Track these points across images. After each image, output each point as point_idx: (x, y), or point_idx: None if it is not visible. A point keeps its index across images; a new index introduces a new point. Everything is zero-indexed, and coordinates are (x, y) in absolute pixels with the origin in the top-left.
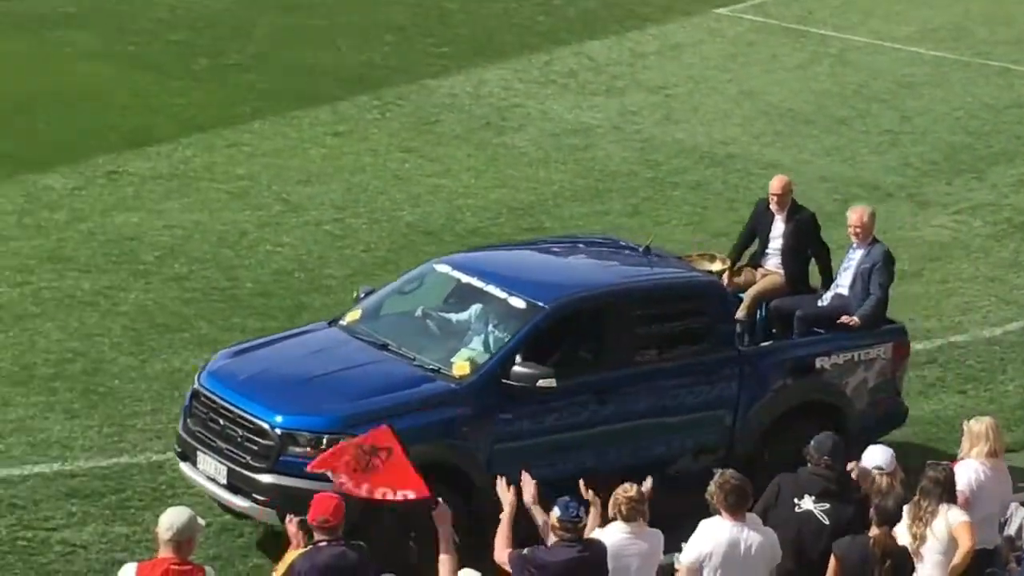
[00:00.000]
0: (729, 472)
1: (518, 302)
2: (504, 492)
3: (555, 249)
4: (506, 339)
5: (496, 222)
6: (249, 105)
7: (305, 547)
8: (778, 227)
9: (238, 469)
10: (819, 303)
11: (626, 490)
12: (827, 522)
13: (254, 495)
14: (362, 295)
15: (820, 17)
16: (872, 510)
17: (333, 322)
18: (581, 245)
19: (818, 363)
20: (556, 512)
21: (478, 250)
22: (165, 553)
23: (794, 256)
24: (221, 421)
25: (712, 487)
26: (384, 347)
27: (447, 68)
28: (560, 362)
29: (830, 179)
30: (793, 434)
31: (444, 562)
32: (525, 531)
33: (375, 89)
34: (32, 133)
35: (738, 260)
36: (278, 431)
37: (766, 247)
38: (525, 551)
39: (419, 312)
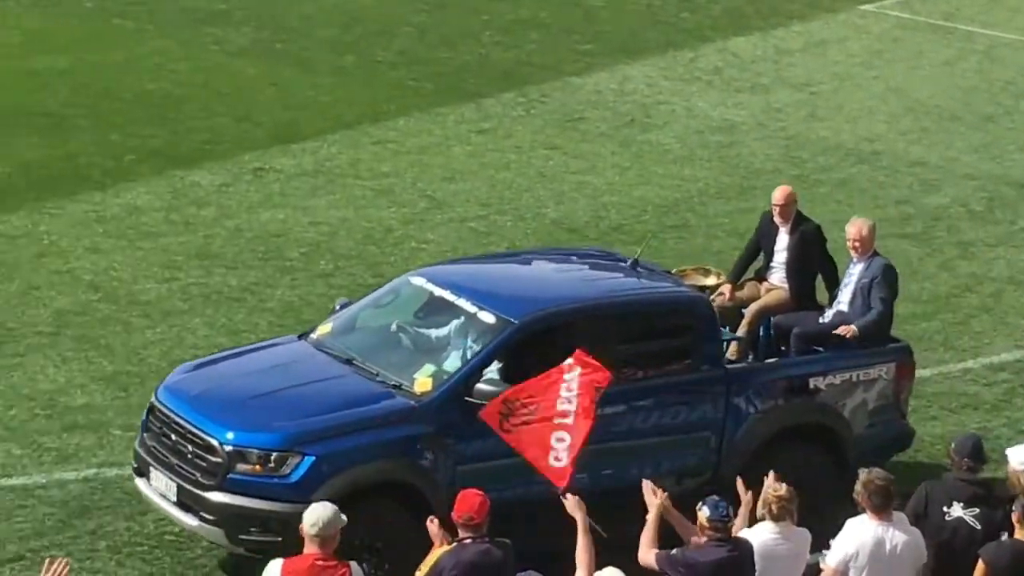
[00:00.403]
0: (874, 472)
1: (488, 317)
2: (649, 494)
3: (537, 262)
4: (472, 355)
5: (640, 219)
6: (395, 102)
7: (449, 545)
8: (782, 240)
9: (187, 486)
10: (820, 320)
11: (776, 489)
12: (979, 527)
13: (202, 513)
14: (338, 308)
15: (967, 14)
16: (1020, 511)
17: (304, 335)
18: (566, 258)
19: (812, 383)
20: (706, 511)
21: (459, 262)
22: (310, 549)
23: (799, 270)
24: (173, 437)
25: (857, 487)
26: (349, 362)
27: (592, 65)
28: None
29: (977, 176)
30: (786, 457)
31: (582, 547)
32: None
33: (520, 86)
34: (180, 129)
35: (742, 274)
36: (227, 448)
37: (770, 261)
38: (674, 551)
39: (393, 326)
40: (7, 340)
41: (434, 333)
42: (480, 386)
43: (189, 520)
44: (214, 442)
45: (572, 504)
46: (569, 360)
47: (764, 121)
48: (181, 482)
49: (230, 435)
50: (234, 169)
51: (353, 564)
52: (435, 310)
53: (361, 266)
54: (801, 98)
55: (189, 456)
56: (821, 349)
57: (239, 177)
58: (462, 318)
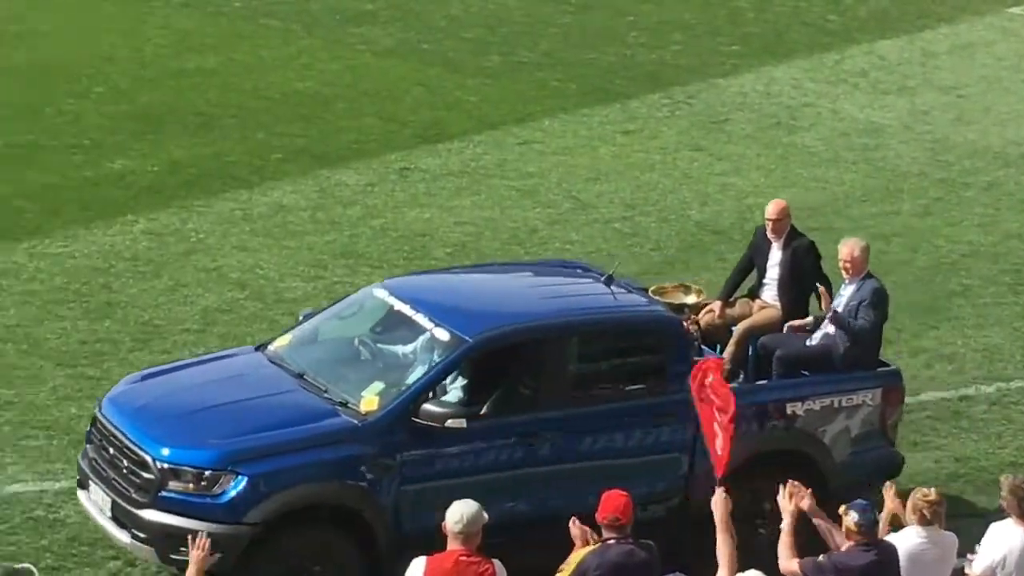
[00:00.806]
0: (1020, 477)
1: (443, 334)
2: (784, 501)
3: (508, 277)
4: (422, 373)
5: None
6: (540, 103)
7: (593, 545)
8: (775, 256)
9: (120, 502)
10: (808, 343)
11: (926, 494)
12: None
13: (134, 530)
14: (301, 318)
15: None
16: None
17: (261, 346)
18: (540, 273)
19: (789, 408)
20: (854, 516)
21: (427, 273)
22: (454, 545)
23: (791, 288)
24: (111, 450)
25: (1004, 492)
26: (300, 376)
27: (737, 67)
28: (486, 400)
29: None
30: (761, 484)
31: (722, 545)
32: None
33: (665, 87)
34: (327, 129)
35: (734, 291)
36: (160, 464)
37: (763, 278)
38: (820, 558)
39: (350, 340)
40: (154, 337)
41: (389, 349)
42: (427, 406)
43: (123, 537)
44: (148, 458)
45: (717, 499)
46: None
47: (910, 124)
48: (116, 497)
49: (165, 451)
50: (380, 169)
51: (496, 562)
52: (393, 325)
53: None
54: (948, 101)
55: (124, 471)
56: (806, 373)
57: (385, 177)
58: (418, 334)
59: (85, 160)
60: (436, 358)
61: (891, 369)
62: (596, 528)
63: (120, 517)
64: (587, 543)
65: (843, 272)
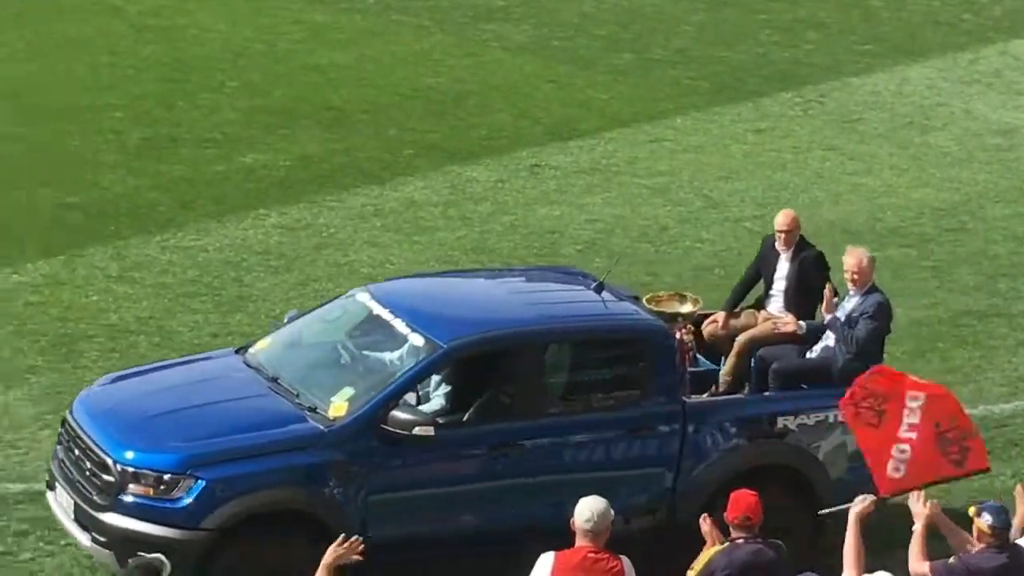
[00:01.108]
0: None
1: (418, 339)
2: (917, 505)
3: (493, 282)
4: (393, 379)
5: (917, 222)
6: (672, 101)
7: (722, 544)
8: (783, 267)
9: (82, 504)
10: (808, 355)
11: None
12: None
13: (94, 534)
14: (287, 320)
15: None
16: None
17: (241, 349)
18: (529, 279)
19: (781, 422)
20: (988, 519)
21: (415, 277)
22: (582, 542)
23: (798, 300)
24: (76, 452)
25: None
26: (275, 380)
27: (870, 66)
28: (458, 408)
29: None
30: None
31: (850, 546)
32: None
33: (798, 86)
34: (459, 125)
35: (739, 301)
36: (120, 467)
37: (769, 289)
38: (951, 560)
39: (329, 344)
40: None
41: (365, 354)
42: (396, 413)
43: (84, 539)
44: (109, 460)
45: (862, 504)
46: (915, 380)
47: None
48: (78, 499)
49: (126, 454)
50: (511, 165)
51: (624, 559)
52: (372, 330)
53: (636, 264)
54: None
55: (87, 473)
56: (805, 386)
57: (515, 173)
58: (395, 339)
59: (218, 154)
60: (409, 364)
61: None
62: (724, 528)
63: (82, 519)
64: (716, 543)
65: (849, 284)
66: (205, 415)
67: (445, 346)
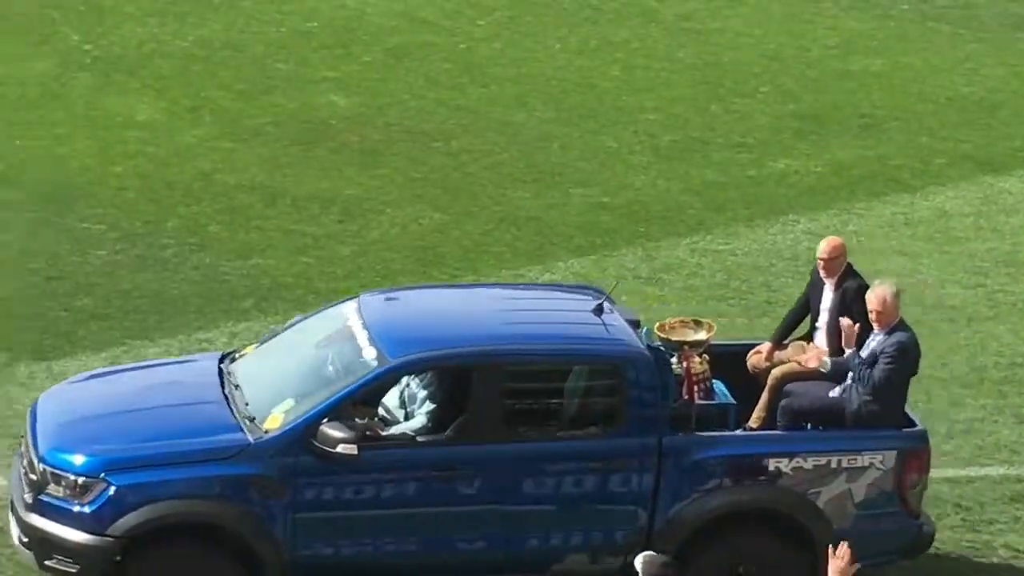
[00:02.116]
0: None
1: (371, 353)
2: None
3: (487, 298)
4: (332, 393)
5: None
6: None
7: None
8: (827, 298)
9: (15, 502)
10: (830, 394)
11: None
12: None
13: (19, 532)
14: (287, 324)
15: None
16: None
17: (228, 354)
18: (529, 297)
19: (772, 464)
20: None
21: (410, 288)
22: None
23: (838, 335)
24: (23, 447)
25: None
26: (237, 387)
27: None
28: (404, 426)
29: None
30: (737, 544)
31: None
32: None
33: None
34: (992, 136)
35: (788, 333)
36: (41, 467)
37: (815, 320)
38: None
39: (302, 354)
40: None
41: (322, 365)
42: (324, 429)
43: (14, 536)
44: (35, 459)
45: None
46: None
47: None
48: (13, 496)
49: (49, 454)
50: None
51: None
52: (339, 340)
53: None
54: None
55: (24, 471)
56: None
57: None
58: (354, 352)
59: (750, 159)
60: (354, 378)
61: (914, 431)
62: None
63: (15, 516)
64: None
65: (874, 323)
66: (138, 420)
67: (393, 362)
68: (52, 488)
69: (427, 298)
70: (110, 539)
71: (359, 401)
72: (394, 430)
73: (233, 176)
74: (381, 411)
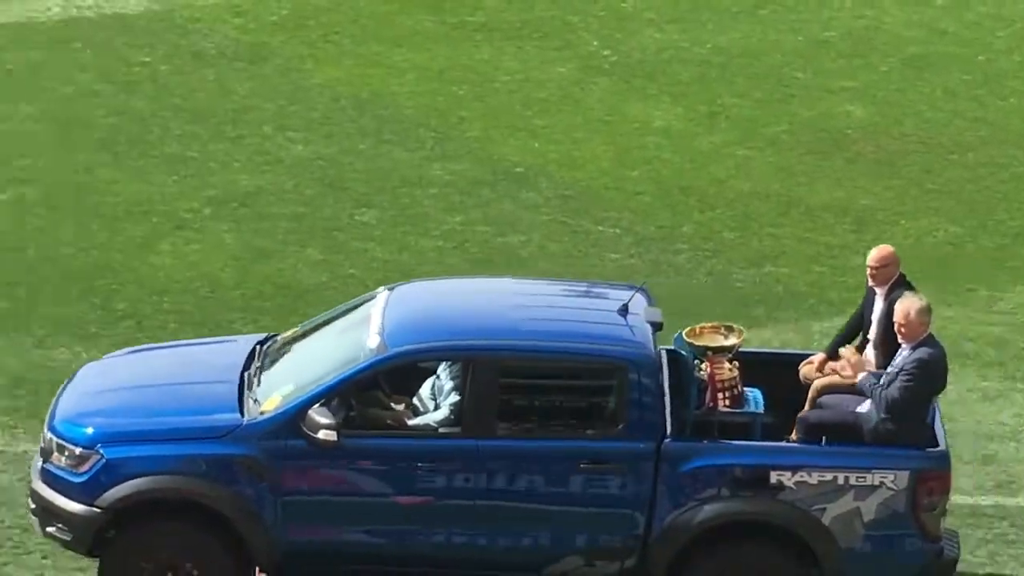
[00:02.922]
0: None
1: (375, 341)
2: None
3: (514, 292)
4: (326, 379)
5: None
6: None
7: None
8: (878, 308)
9: (31, 470)
10: (859, 409)
11: None
12: None
13: (30, 500)
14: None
15: None
16: None
17: (268, 338)
18: (559, 292)
19: (775, 477)
20: None
21: (442, 280)
22: None
23: (885, 345)
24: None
25: None
26: (259, 369)
27: None
28: (388, 416)
29: None
30: (734, 556)
31: None
32: None
33: None
34: None
35: (844, 343)
36: (48, 436)
37: (867, 332)
38: None
39: (327, 339)
40: None
41: (335, 351)
42: (311, 413)
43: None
44: (46, 428)
45: None
46: None
47: None
48: (31, 465)
49: (56, 424)
50: None
51: None
52: (359, 326)
53: None
54: None
55: (43, 439)
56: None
57: None
58: (361, 339)
59: None
60: (351, 366)
61: (934, 452)
62: None
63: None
64: None
65: (900, 338)
66: (148, 395)
67: (389, 351)
68: (55, 457)
69: (460, 289)
70: (98, 511)
71: (363, 388)
72: (417, 421)
73: (748, 183)
74: (416, 401)
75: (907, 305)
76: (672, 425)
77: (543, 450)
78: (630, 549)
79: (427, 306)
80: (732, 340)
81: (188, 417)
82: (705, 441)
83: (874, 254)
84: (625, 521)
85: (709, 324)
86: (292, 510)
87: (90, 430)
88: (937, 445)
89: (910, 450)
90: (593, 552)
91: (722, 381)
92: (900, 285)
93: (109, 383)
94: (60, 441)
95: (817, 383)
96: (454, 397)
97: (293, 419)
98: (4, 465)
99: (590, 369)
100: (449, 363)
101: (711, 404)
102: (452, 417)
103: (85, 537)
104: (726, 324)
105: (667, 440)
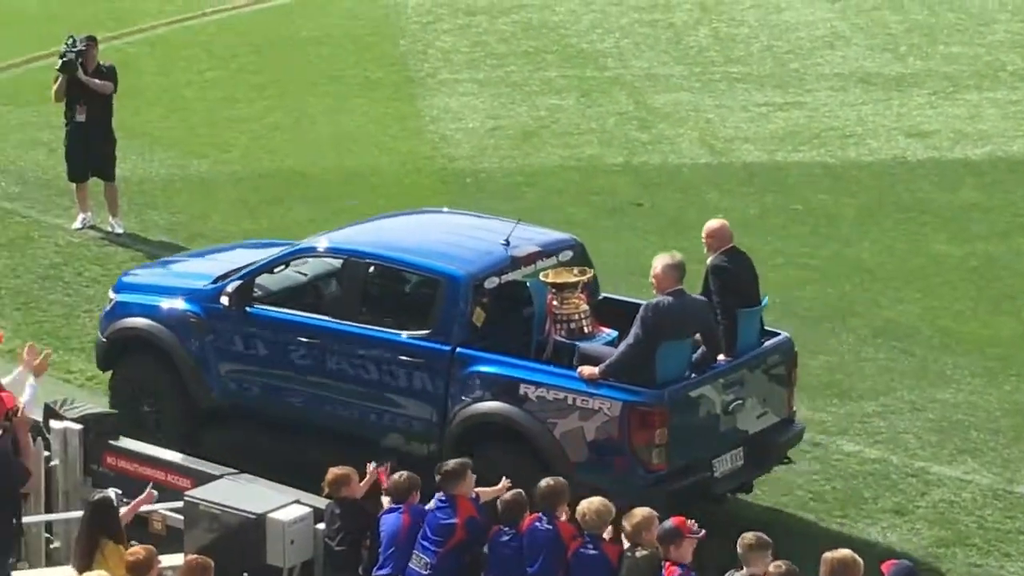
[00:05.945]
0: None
1: (313, 239)
2: None
3: (455, 222)
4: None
5: None
6: None
7: None
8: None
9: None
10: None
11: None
12: None
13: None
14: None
15: None
16: None
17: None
18: (475, 224)
19: (522, 389)
20: None
21: (438, 212)
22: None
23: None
24: None
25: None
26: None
27: None
28: (273, 294)
29: None
30: (494, 454)
31: None
32: None
33: None
34: None
35: None
36: (111, 292)
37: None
38: None
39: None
40: None
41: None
42: (228, 286)
43: None
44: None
45: None
46: None
47: None
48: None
49: (118, 280)
50: None
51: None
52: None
53: None
54: None
55: None
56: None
57: None
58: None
59: None
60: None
61: (640, 390)
62: None
63: None
64: None
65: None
66: (180, 269)
67: (301, 244)
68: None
69: (428, 221)
70: (104, 340)
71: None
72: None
73: None
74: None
75: (658, 261)
76: (512, 345)
77: (374, 338)
78: (431, 435)
79: (393, 227)
80: (574, 277)
81: (179, 280)
82: (486, 353)
83: (705, 227)
84: (425, 412)
85: (569, 268)
86: (212, 360)
87: (119, 280)
88: (650, 386)
89: (627, 385)
90: (408, 433)
91: (562, 314)
92: (724, 253)
93: (172, 265)
94: (112, 290)
95: None
96: (333, 286)
97: (222, 288)
98: None
99: (419, 279)
100: (333, 260)
101: (548, 333)
102: (326, 302)
103: (99, 360)
104: (580, 268)
105: (459, 348)
